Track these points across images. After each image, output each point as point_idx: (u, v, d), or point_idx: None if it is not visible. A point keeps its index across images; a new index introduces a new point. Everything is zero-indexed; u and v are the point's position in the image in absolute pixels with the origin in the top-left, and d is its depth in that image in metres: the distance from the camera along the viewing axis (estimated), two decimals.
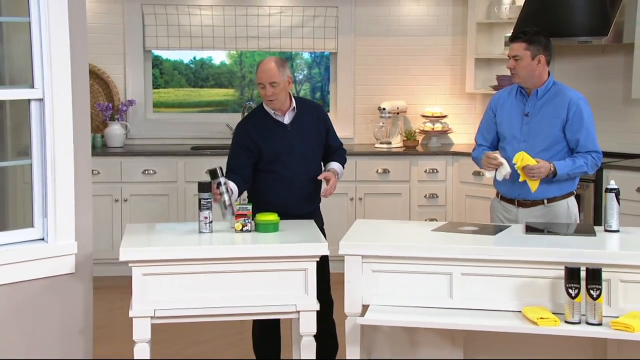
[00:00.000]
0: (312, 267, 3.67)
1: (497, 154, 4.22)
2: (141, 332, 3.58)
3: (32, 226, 3.80)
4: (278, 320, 4.29)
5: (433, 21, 7.24)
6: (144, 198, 6.61)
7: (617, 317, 3.37)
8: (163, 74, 7.55)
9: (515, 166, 4.11)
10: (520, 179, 4.13)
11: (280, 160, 4.25)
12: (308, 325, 3.68)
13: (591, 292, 3.35)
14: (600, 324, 3.36)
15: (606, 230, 3.89)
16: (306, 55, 7.64)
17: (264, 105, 4.31)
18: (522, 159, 4.09)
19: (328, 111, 7.33)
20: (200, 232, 3.85)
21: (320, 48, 7.24)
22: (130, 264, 3.58)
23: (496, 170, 4.20)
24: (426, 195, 6.75)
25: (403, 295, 3.64)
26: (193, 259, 3.61)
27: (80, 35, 3.81)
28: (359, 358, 3.66)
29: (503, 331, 3.52)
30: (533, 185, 4.14)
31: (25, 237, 3.77)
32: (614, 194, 3.89)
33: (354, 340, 3.65)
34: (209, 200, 3.85)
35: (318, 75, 7.71)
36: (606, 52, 6.37)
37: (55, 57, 3.71)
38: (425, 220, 6.43)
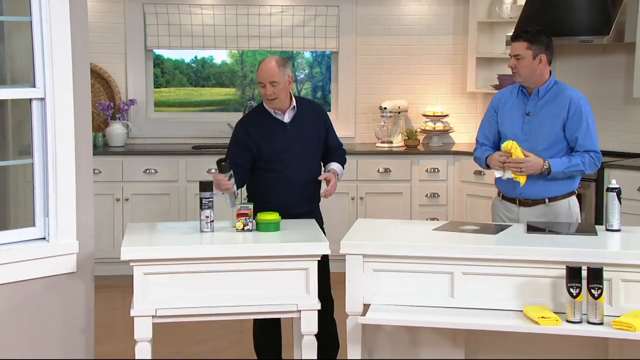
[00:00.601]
0: (313, 267, 3.67)
1: (504, 157, 4.20)
2: (142, 331, 3.58)
3: (34, 225, 3.80)
4: (278, 320, 4.29)
5: (434, 20, 7.24)
6: (145, 197, 6.61)
7: (619, 316, 3.37)
8: (164, 73, 7.56)
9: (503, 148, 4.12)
10: (511, 175, 4.15)
11: (279, 159, 4.25)
12: (309, 324, 3.68)
13: (592, 291, 3.34)
14: (601, 324, 3.35)
15: (607, 230, 3.89)
16: (307, 55, 7.65)
17: (264, 104, 4.31)
18: (512, 147, 4.09)
19: (329, 111, 7.34)
20: (201, 231, 3.85)
21: (321, 47, 7.24)
22: (131, 263, 3.58)
23: (504, 170, 4.21)
24: (427, 194, 6.75)
25: (404, 295, 3.64)
26: (194, 258, 3.61)
27: (81, 35, 3.81)
28: (360, 358, 3.67)
29: (504, 330, 3.52)
30: (521, 180, 4.14)
31: (26, 236, 3.78)
32: (615, 193, 3.88)
33: (355, 339, 3.66)
34: (210, 199, 3.85)
35: (319, 74, 7.71)
36: (607, 52, 6.37)
37: (56, 56, 3.71)
38: (427, 219, 6.44)
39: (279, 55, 7.28)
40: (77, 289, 3.85)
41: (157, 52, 7.34)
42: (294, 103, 4.31)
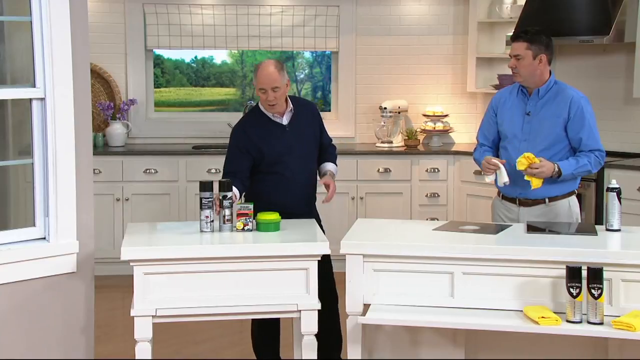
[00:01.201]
0: (313, 266, 3.67)
1: (496, 160, 4.21)
2: (142, 331, 3.58)
3: (34, 225, 3.80)
4: (277, 320, 4.29)
5: (434, 20, 7.24)
6: (145, 197, 6.61)
7: (619, 316, 3.37)
8: (164, 73, 7.56)
9: (517, 168, 4.11)
10: (526, 178, 4.14)
11: (281, 162, 4.25)
12: (309, 324, 3.68)
13: (592, 291, 3.34)
14: (601, 324, 3.35)
15: (607, 230, 3.88)
16: (307, 55, 7.65)
17: (260, 106, 4.30)
18: (527, 158, 4.09)
19: (329, 110, 7.36)
20: (201, 231, 3.85)
21: (321, 47, 7.24)
22: (131, 263, 3.58)
23: (496, 175, 4.21)
24: (427, 194, 6.75)
25: (404, 295, 3.64)
26: (194, 258, 3.61)
27: (81, 35, 3.81)
28: (360, 358, 3.67)
29: (504, 330, 3.52)
30: (535, 183, 4.13)
31: (26, 236, 3.78)
32: (615, 193, 3.88)
33: (355, 339, 3.66)
34: (210, 199, 3.84)
35: (319, 74, 7.71)
36: (607, 52, 6.37)
37: (56, 56, 3.71)
38: (427, 219, 6.43)
39: (279, 55, 7.35)
40: (77, 289, 3.85)
41: (157, 52, 7.34)
42: (291, 105, 4.31)
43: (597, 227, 3.99)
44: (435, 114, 7.12)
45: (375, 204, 6.69)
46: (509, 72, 4.42)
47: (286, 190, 4.25)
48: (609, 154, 5.88)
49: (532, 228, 3.94)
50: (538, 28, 4.33)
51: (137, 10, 7.02)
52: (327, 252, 3.68)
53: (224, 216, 3.85)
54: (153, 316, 3.58)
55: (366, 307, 3.63)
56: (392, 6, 7.21)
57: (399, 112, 7.07)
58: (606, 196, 3.91)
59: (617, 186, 3.92)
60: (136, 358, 3.61)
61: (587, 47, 6.35)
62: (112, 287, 5.79)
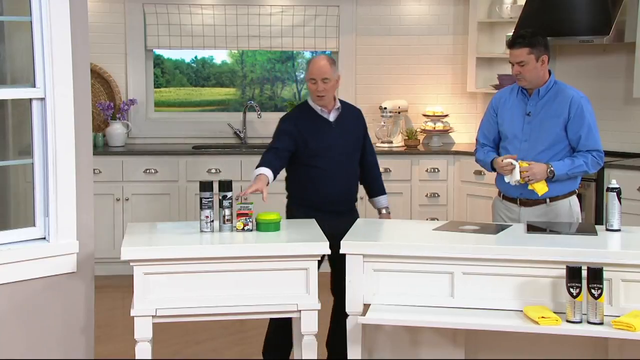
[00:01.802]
0: (313, 267, 3.67)
1: (509, 159, 4.19)
2: (142, 331, 3.58)
3: (34, 225, 3.80)
4: (290, 323, 4.28)
5: (434, 20, 7.24)
6: (145, 197, 6.61)
7: (619, 316, 3.37)
8: (164, 73, 7.55)
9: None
10: (529, 187, 4.15)
11: (322, 155, 4.31)
12: (309, 324, 3.68)
13: (592, 291, 3.34)
14: (601, 324, 3.36)
15: (607, 230, 3.89)
16: (307, 55, 7.64)
17: (309, 101, 4.38)
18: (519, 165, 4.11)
19: None
20: (201, 231, 3.85)
21: (321, 47, 7.24)
22: (131, 263, 3.58)
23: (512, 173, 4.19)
24: (427, 194, 6.75)
25: (404, 295, 3.64)
26: (194, 258, 3.61)
27: (81, 35, 3.81)
28: (360, 358, 3.67)
29: (504, 330, 3.52)
30: (538, 189, 4.13)
31: (26, 236, 3.78)
32: (615, 193, 3.88)
33: (355, 339, 3.66)
34: (210, 199, 3.84)
35: None
36: (607, 52, 6.37)
37: (56, 56, 3.71)
38: (427, 219, 6.43)
39: (279, 55, 7.35)
40: (77, 289, 3.85)
41: (157, 52, 7.34)
42: (339, 104, 4.40)
43: (597, 227, 3.99)
44: (435, 114, 7.12)
45: None
46: (509, 72, 4.42)
47: (325, 185, 4.31)
48: (609, 154, 5.89)
49: (532, 228, 3.93)
50: (531, 30, 4.31)
51: (137, 10, 7.02)
52: (327, 252, 3.68)
53: (224, 216, 3.85)
54: (153, 316, 3.58)
55: (366, 307, 3.63)
56: (392, 6, 7.21)
57: (399, 112, 7.07)
58: (606, 196, 3.91)
59: (617, 186, 3.92)
60: (136, 358, 3.61)
61: (587, 47, 6.35)
62: (112, 287, 5.79)
